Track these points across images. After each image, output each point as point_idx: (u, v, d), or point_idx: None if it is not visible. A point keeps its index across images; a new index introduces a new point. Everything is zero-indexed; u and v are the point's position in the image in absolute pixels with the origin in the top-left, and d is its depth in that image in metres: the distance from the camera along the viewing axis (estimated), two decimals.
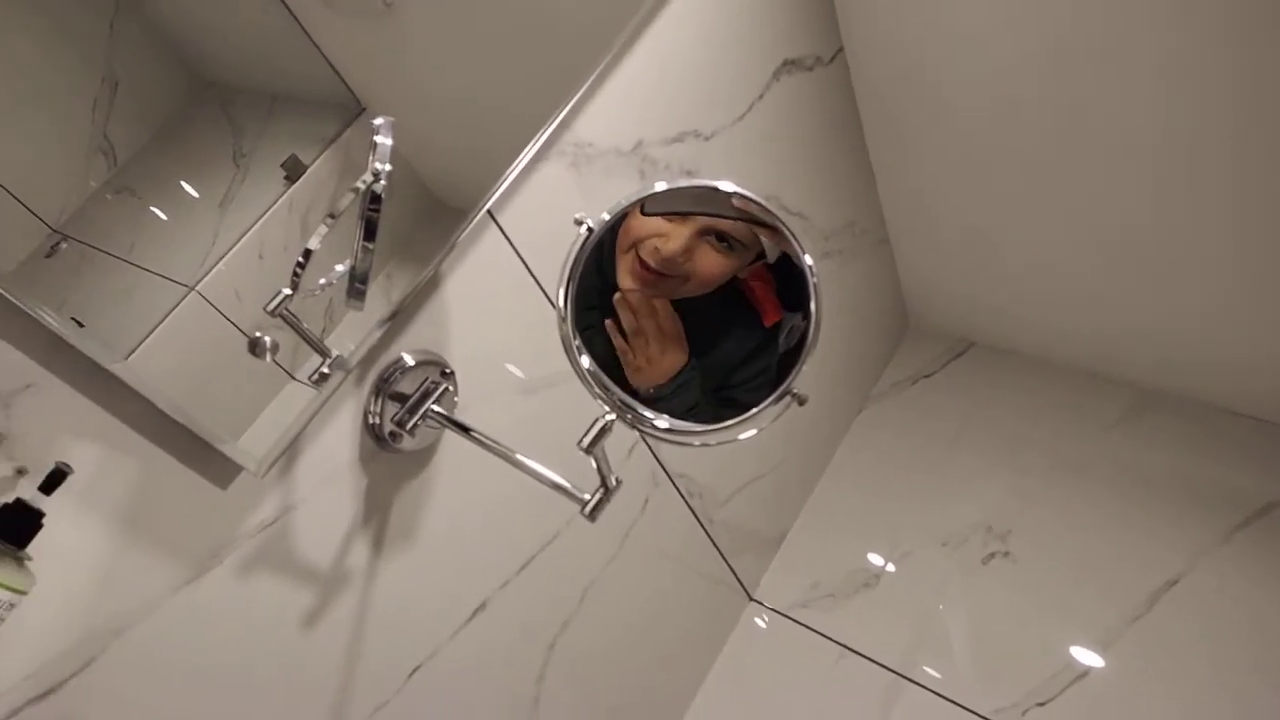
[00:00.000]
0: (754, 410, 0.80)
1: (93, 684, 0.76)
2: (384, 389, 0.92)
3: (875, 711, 1.46)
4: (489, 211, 0.96)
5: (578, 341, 0.83)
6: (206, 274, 0.77)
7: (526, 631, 1.19)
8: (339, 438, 0.90)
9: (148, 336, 0.75)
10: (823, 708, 1.50)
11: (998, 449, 1.67)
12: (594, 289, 0.84)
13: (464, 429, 0.95)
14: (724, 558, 1.53)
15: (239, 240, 0.79)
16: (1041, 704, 1.40)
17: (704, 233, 0.83)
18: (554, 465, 0.87)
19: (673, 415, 0.83)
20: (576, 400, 0.81)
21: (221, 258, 0.78)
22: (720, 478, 1.46)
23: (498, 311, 1.02)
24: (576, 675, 1.29)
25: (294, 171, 0.84)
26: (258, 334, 0.80)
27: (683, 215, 0.84)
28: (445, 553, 1.04)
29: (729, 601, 1.60)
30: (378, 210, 0.85)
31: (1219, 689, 1.33)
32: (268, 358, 0.79)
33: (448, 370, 0.97)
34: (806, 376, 0.83)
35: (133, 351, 0.73)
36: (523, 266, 1.02)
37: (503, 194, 0.96)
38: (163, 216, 0.78)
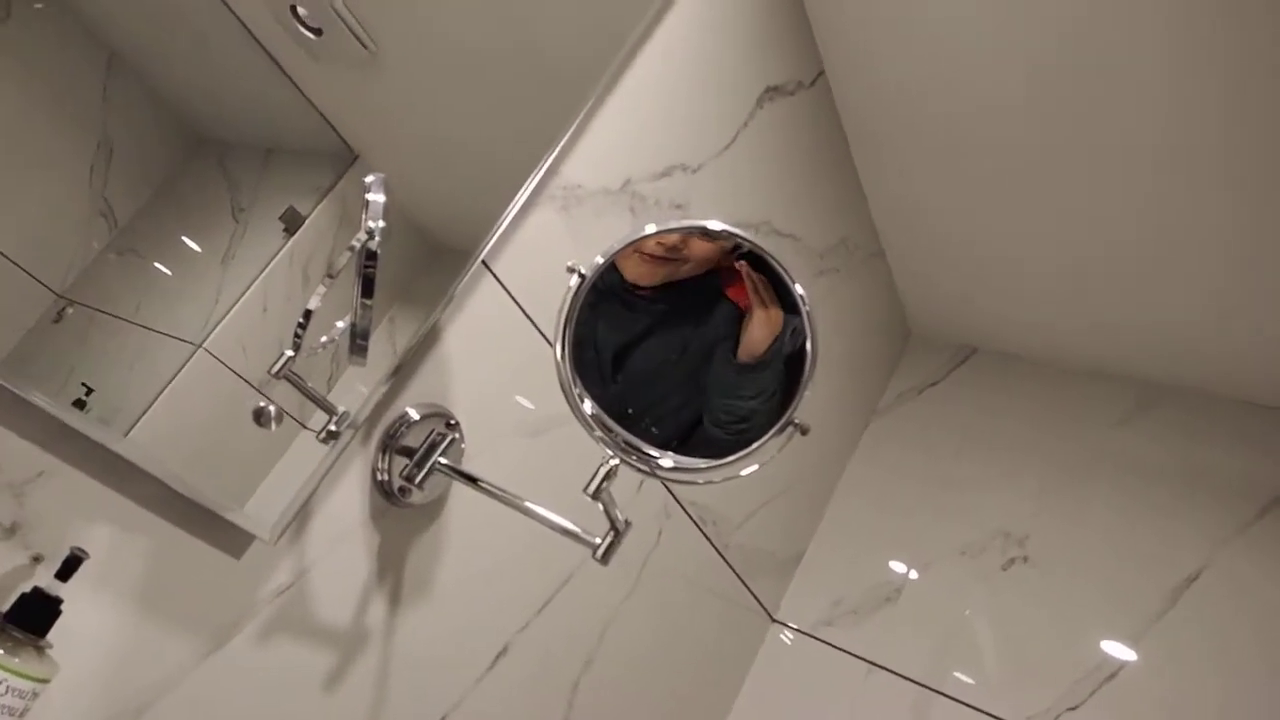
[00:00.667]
0: (755, 444, 0.81)
1: None
2: (391, 445, 0.93)
3: None
4: (484, 262, 0.97)
5: (578, 389, 0.84)
6: (212, 331, 0.78)
7: (549, 672, 1.19)
8: (348, 497, 0.91)
9: (153, 403, 0.75)
10: None
11: (1008, 453, 1.66)
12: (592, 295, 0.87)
13: (472, 479, 0.95)
14: (743, 581, 1.52)
15: (242, 295, 0.80)
16: (1073, 708, 1.39)
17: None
18: (563, 508, 0.87)
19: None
20: (583, 441, 0.82)
21: (226, 313, 0.79)
22: (733, 503, 1.46)
23: (499, 359, 1.03)
24: (603, 712, 1.28)
25: (292, 223, 0.85)
26: (261, 404, 0.81)
27: None
28: (462, 601, 1.04)
29: (752, 624, 1.60)
30: (374, 267, 0.86)
31: (1248, 678, 1.32)
32: (273, 426, 0.80)
33: (452, 421, 0.98)
34: (809, 399, 0.84)
35: (134, 425, 0.74)
36: (520, 313, 1.03)
37: (496, 243, 0.97)
38: (167, 272, 0.79)
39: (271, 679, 0.87)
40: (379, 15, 0.83)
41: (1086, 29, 1.12)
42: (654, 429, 0.89)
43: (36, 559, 0.69)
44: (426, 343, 0.95)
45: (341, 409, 0.87)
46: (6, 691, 0.62)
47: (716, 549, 1.44)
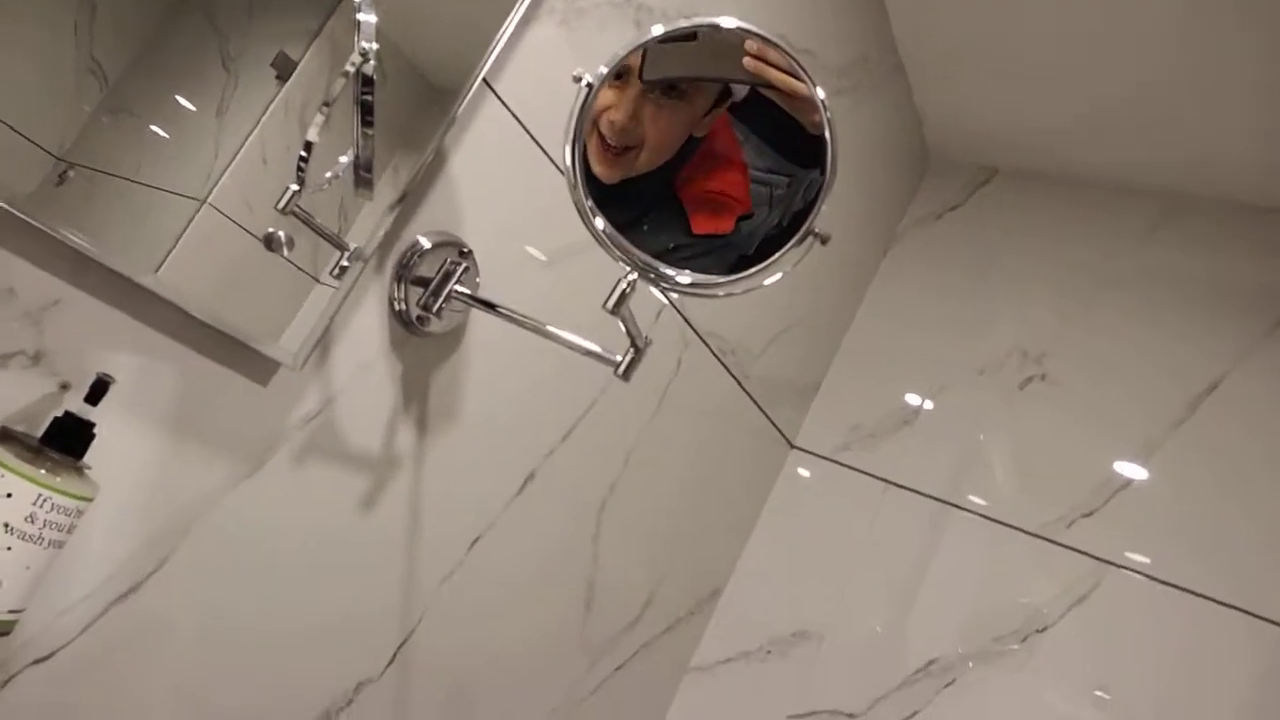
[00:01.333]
0: (777, 254, 0.79)
1: (171, 579, 0.80)
2: (405, 274, 0.92)
3: (924, 539, 1.51)
4: (485, 80, 0.93)
5: (590, 203, 0.81)
6: (215, 186, 0.77)
7: (576, 496, 1.23)
8: (368, 327, 0.91)
9: (171, 251, 0.75)
10: (872, 541, 1.55)
11: (1029, 273, 1.64)
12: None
13: (490, 306, 0.95)
14: (762, 410, 1.55)
15: (241, 148, 0.78)
16: (1088, 514, 1.43)
17: (648, 90, 0.82)
18: (583, 332, 0.87)
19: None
20: (599, 264, 0.80)
21: (227, 168, 0.78)
22: (751, 333, 1.46)
23: (508, 183, 1.00)
24: (630, 533, 1.33)
25: (284, 70, 0.82)
26: (270, 230, 0.80)
27: (624, 78, 0.82)
28: (487, 428, 1.06)
29: (772, 452, 1.63)
30: (371, 92, 0.82)
31: (1268, 484, 1.35)
32: (284, 251, 0.79)
33: (465, 249, 0.96)
34: (827, 216, 0.81)
35: (161, 265, 0.74)
36: (525, 134, 1.00)
37: (496, 61, 0.92)
38: (163, 134, 0.77)
39: (308, 501, 0.90)
40: None
41: None
42: (670, 245, 0.87)
43: (64, 386, 0.70)
44: (432, 169, 0.92)
45: (353, 245, 0.86)
46: (53, 509, 0.64)
47: (735, 377, 1.45)
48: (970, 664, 1.40)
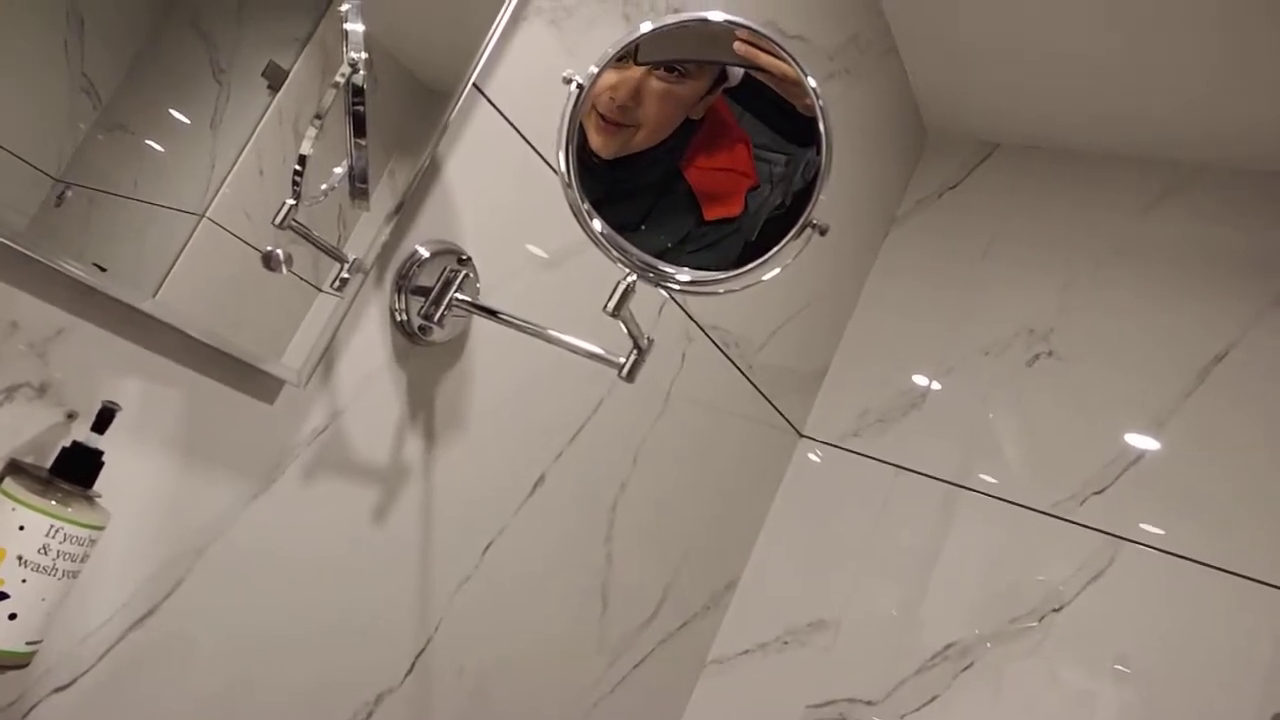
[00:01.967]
0: (776, 248, 0.78)
1: (187, 601, 0.81)
2: (405, 285, 0.92)
3: (937, 523, 1.51)
4: (475, 85, 0.92)
5: (586, 205, 0.81)
6: (213, 199, 0.77)
7: (587, 497, 1.23)
8: (370, 340, 0.91)
9: (170, 270, 0.75)
10: (885, 527, 1.54)
11: (1033, 249, 1.63)
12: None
13: (491, 312, 0.95)
14: (769, 400, 1.54)
15: (237, 160, 0.78)
16: (1099, 491, 1.42)
17: (652, 70, 0.83)
18: (585, 334, 0.87)
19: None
20: (599, 264, 0.80)
21: (224, 180, 0.77)
22: (753, 324, 1.45)
23: (504, 188, 1.00)
24: (642, 531, 1.34)
25: (275, 79, 0.82)
26: (268, 247, 0.80)
27: (627, 61, 0.83)
28: (495, 434, 1.06)
29: (780, 441, 1.63)
30: (362, 103, 0.82)
31: (1278, 453, 1.34)
32: (283, 269, 0.79)
33: (464, 257, 0.96)
34: (825, 205, 0.81)
35: (159, 287, 0.74)
36: (519, 138, 0.99)
37: (485, 65, 0.92)
38: (158, 148, 0.77)
39: (321, 515, 0.90)
40: None
41: None
42: (669, 244, 0.87)
43: (71, 416, 0.70)
44: (427, 177, 0.92)
45: (353, 257, 0.86)
46: (65, 540, 0.64)
47: (740, 370, 1.44)
48: (988, 645, 1.40)
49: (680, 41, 0.85)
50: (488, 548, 1.09)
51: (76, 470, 0.66)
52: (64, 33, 0.68)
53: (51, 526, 0.63)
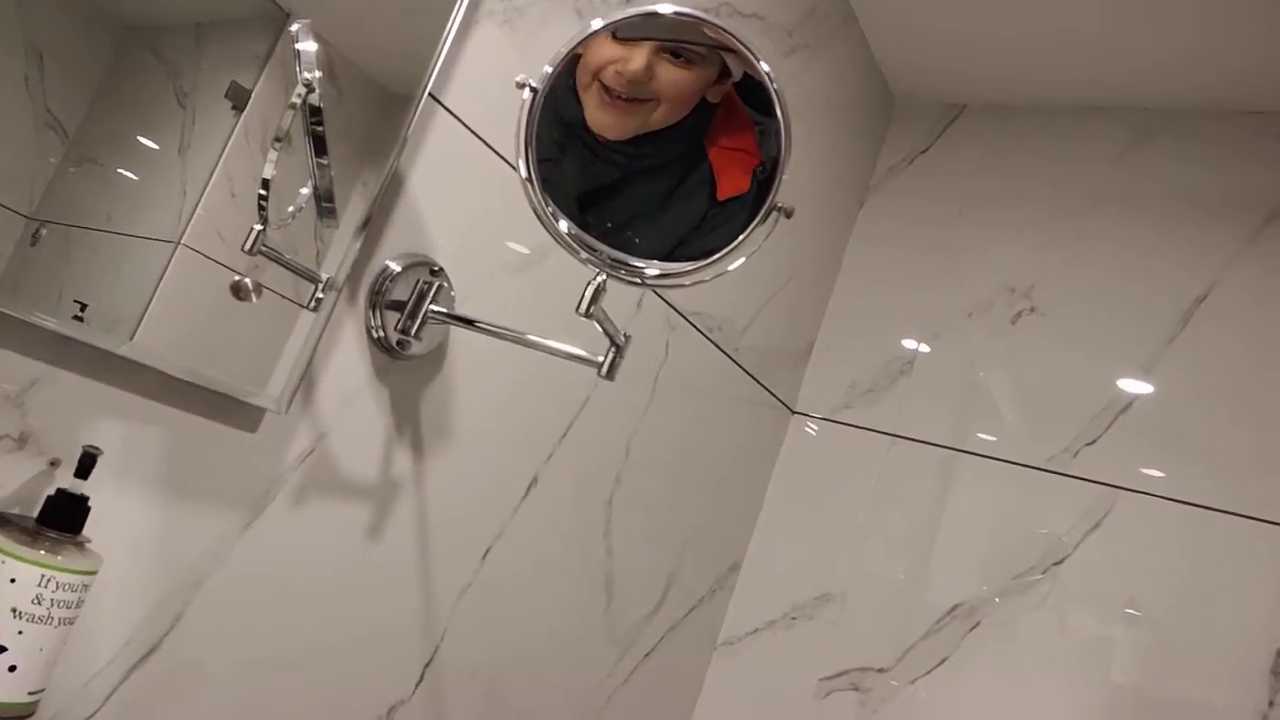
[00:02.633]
0: (741, 236, 0.79)
1: (188, 635, 0.81)
2: (379, 301, 0.92)
3: (935, 487, 1.52)
4: (431, 95, 0.92)
5: (551, 208, 0.81)
6: (187, 225, 0.76)
7: (582, 494, 1.24)
8: (349, 358, 0.91)
9: (148, 306, 0.75)
10: (884, 495, 1.55)
11: (1007, 208, 1.63)
12: (558, 132, 0.83)
13: (468, 321, 0.95)
14: (757, 380, 1.55)
15: (208, 183, 0.78)
16: (1091, 442, 1.43)
17: (659, 50, 0.83)
18: (563, 335, 0.87)
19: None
20: (573, 265, 0.80)
21: (196, 205, 0.77)
22: (736, 305, 1.45)
23: (471, 195, 1.00)
24: (641, 522, 1.34)
25: (239, 99, 0.82)
26: (237, 277, 0.80)
27: (635, 40, 0.83)
28: (484, 440, 1.07)
29: (773, 420, 1.64)
30: (321, 122, 0.82)
31: (1264, 388, 1.35)
32: (252, 298, 0.79)
33: (436, 268, 0.96)
34: (791, 186, 0.81)
35: (137, 327, 0.74)
36: (481, 143, 0.99)
37: (440, 73, 0.91)
38: (130, 176, 0.77)
39: (315, 537, 0.90)
40: None
41: None
42: (637, 239, 0.87)
43: (54, 463, 0.70)
44: (391, 191, 0.91)
45: (326, 276, 0.86)
46: (58, 588, 0.64)
47: (726, 353, 1.45)
48: (996, 600, 1.42)
49: (653, 29, 0.84)
50: (486, 553, 1.10)
51: (63, 517, 0.66)
52: (24, 68, 0.68)
53: (43, 576, 0.63)
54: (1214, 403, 1.37)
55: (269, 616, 0.88)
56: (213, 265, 0.79)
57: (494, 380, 1.07)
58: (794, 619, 1.54)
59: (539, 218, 0.81)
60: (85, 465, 0.68)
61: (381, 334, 0.93)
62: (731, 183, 0.88)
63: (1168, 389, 1.41)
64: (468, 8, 0.92)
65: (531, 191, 0.80)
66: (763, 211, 0.80)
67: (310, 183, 0.84)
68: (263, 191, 0.77)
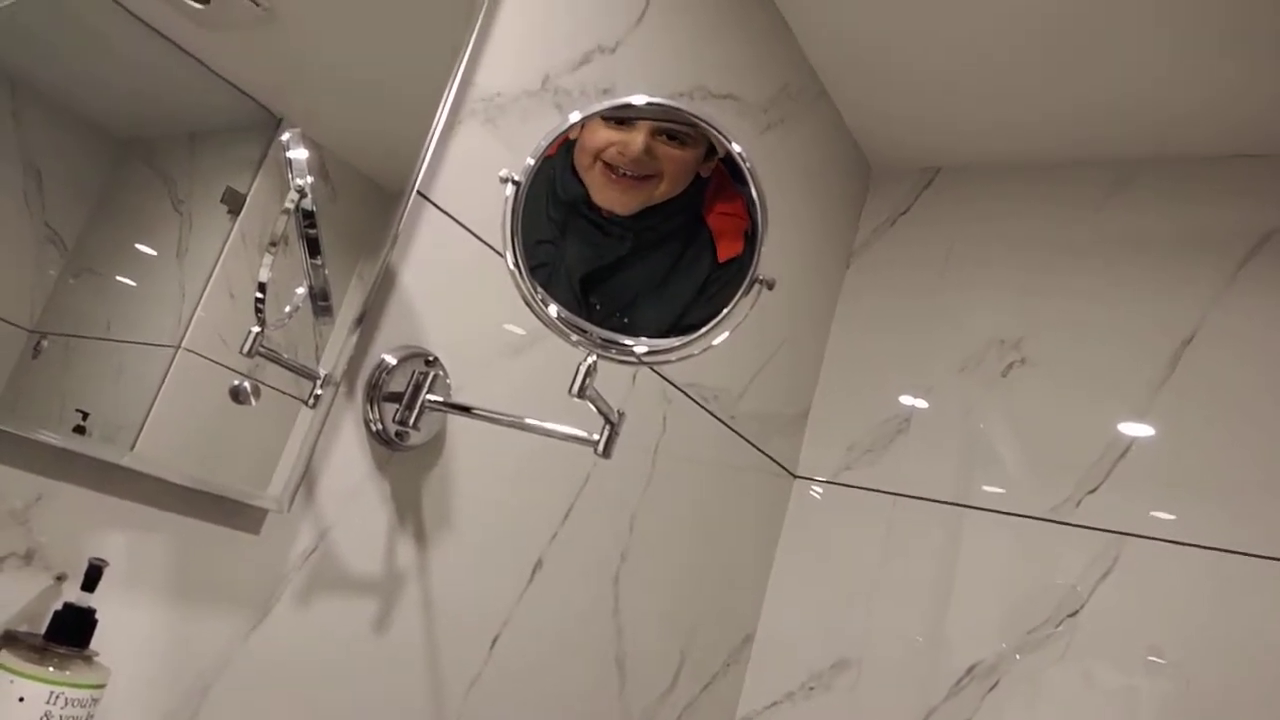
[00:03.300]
0: (725, 310, 0.81)
1: None
2: (376, 394, 0.94)
3: (941, 545, 1.51)
4: (420, 193, 0.95)
5: (540, 295, 0.83)
6: (187, 329, 0.78)
7: (588, 573, 1.23)
8: (349, 453, 0.92)
9: (149, 413, 0.76)
10: (891, 556, 1.54)
11: (989, 264, 1.66)
12: (558, 212, 0.88)
13: (464, 409, 0.97)
14: (757, 447, 1.55)
15: (206, 287, 0.80)
16: (1092, 491, 1.43)
17: (655, 132, 0.87)
18: (562, 415, 0.88)
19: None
20: (565, 346, 0.82)
21: (195, 308, 0.79)
22: (730, 375, 1.47)
23: (462, 286, 1.02)
24: (650, 597, 1.33)
25: (234, 203, 0.84)
26: (236, 382, 0.82)
27: (629, 122, 0.88)
28: (486, 527, 1.07)
29: (775, 486, 1.64)
30: (314, 226, 0.85)
31: (1257, 423, 1.36)
32: (251, 401, 0.81)
33: (431, 358, 0.98)
34: (775, 256, 0.83)
35: (138, 437, 0.75)
36: (470, 235, 1.02)
37: (428, 171, 0.95)
38: (129, 283, 0.79)
39: (322, 634, 0.90)
40: None
41: None
42: (638, 315, 0.89)
43: (60, 578, 0.70)
44: (384, 286, 0.94)
45: (324, 372, 0.88)
46: (67, 704, 0.64)
47: (723, 421, 1.46)
48: (1017, 656, 1.40)
49: (644, 112, 0.89)
50: (495, 641, 1.09)
51: (71, 632, 0.66)
52: (22, 184, 0.70)
53: (51, 693, 0.63)
54: (1210, 442, 1.38)
55: (278, 717, 0.87)
56: (213, 367, 0.80)
57: (494, 465, 1.08)
58: (812, 688, 1.52)
59: (529, 305, 0.83)
60: (91, 578, 0.68)
61: (380, 426, 0.94)
62: (730, 245, 0.92)
63: (1163, 432, 1.42)
64: (451, 108, 0.96)
65: (520, 280, 0.83)
66: (744, 284, 0.82)
67: (306, 283, 0.86)
68: (259, 294, 0.79)
